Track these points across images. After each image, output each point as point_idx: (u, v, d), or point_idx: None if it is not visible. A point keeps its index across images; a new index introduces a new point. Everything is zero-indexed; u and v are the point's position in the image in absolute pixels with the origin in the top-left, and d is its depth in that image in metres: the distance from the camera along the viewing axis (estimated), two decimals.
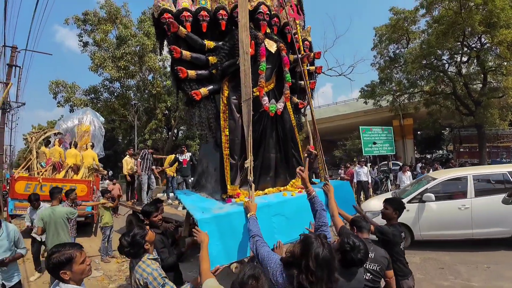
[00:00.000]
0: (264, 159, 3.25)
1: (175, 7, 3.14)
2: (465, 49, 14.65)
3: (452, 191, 6.22)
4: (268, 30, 3.39)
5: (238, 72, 2.96)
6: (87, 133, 11.10)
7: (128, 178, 8.71)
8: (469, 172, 6.04)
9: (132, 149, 9.88)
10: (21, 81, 15.49)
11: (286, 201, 2.88)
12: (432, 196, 5.69)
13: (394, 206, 2.91)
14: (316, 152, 11.60)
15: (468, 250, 5.67)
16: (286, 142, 3.41)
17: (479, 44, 14.39)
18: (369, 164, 13.57)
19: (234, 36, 3.12)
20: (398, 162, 22.35)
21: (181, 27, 3.01)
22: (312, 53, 4.01)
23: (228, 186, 3.02)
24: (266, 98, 3.00)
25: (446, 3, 13.78)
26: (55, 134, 11.09)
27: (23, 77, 18.47)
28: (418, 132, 31.51)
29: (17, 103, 16.82)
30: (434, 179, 6.18)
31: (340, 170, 14.60)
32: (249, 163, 2.57)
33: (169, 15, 3.03)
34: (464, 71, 15.35)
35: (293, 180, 3.44)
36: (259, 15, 3.26)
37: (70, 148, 9.62)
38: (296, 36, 3.68)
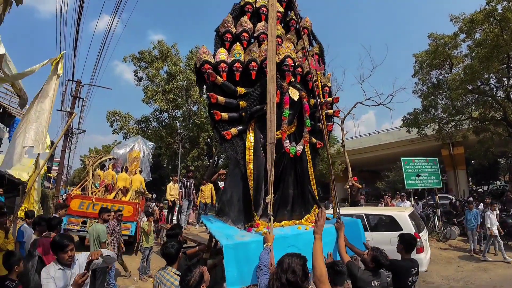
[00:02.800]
0: (283, 194, 3.60)
1: (214, 59, 3.76)
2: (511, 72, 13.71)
3: None
4: (292, 79, 3.87)
5: (264, 115, 3.39)
6: (137, 159, 12.22)
7: (170, 203, 9.37)
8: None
9: (176, 176, 10.65)
10: (83, 111, 17.60)
11: (300, 234, 3.17)
12: None
13: (400, 240, 3.14)
14: (359, 185, 11.34)
15: None
16: (303, 179, 3.75)
17: None
18: (412, 198, 12.76)
19: (262, 84, 3.61)
20: (449, 196, 20.55)
21: (218, 77, 3.60)
22: (331, 98, 4.37)
23: (255, 217, 3.37)
24: (287, 141, 3.42)
25: (486, 26, 13.24)
26: (109, 159, 12.34)
27: (85, 107, 20.96)
28: (472, 162, 28.87)
29: (78, 130, 19.09)
30: None
31: (380, 204, 13.70)
32: (270, 199, 2.90)
33: (209, 65, 3.65)
34: None
35: (307, 215, 3.73)
36: (284, 66, 3.75)
37: (121, 172, 10.66)
38: (317, 83, 4.11)
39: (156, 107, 20.97)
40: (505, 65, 13.39)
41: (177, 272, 2.56)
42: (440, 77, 17.25)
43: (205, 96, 4.35)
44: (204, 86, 3.80)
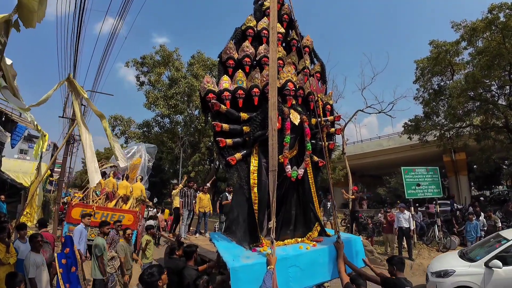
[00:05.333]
0: (285, 215, 3.76)
1: (218, 87, 3.88)
2: None
3: None
4: (294, 102, 3.97)
5: (267, 140, 3.51)
6: (137, 166, 12.29)
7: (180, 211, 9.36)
8: None
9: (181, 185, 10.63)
10: (85, 118, 17.61)
11: (301, 254, 3.31)
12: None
13: (392, 264, 3.14)
14: (351, 196, 11.20)
15: None
16: (305, 199, 3.90)
17: None
18: (412, 208, 12.71)
19: (264, 110, 3.71)
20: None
21: (222, 106, 3.75)
22: (332, 117, 4.41)
23: (261, 238, 3.52)
24: (289, 167, 3.56)
25: (488, 35, 13.20)
26: (110, 167, 12.40)
27: (87, 114, 20.99)
28: (475, 166, 28.76)
29: (80, 136, 19.04)
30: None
31: (379, 214, 13.55)
32: (272, 224, 2.98)
33: (213, 95, 3.79)
34: None
35: (309, 233, 3.87)
36: (286, 91, 3.89)
37: (122, 180, 10.68)
38: (318, 102, 4.23)
39: (158, 112, 21.04)
40: (507, 73, 13.34)
41: None
42: (442, 83, 17.20)
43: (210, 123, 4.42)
44: (209, 113, 3.90)
